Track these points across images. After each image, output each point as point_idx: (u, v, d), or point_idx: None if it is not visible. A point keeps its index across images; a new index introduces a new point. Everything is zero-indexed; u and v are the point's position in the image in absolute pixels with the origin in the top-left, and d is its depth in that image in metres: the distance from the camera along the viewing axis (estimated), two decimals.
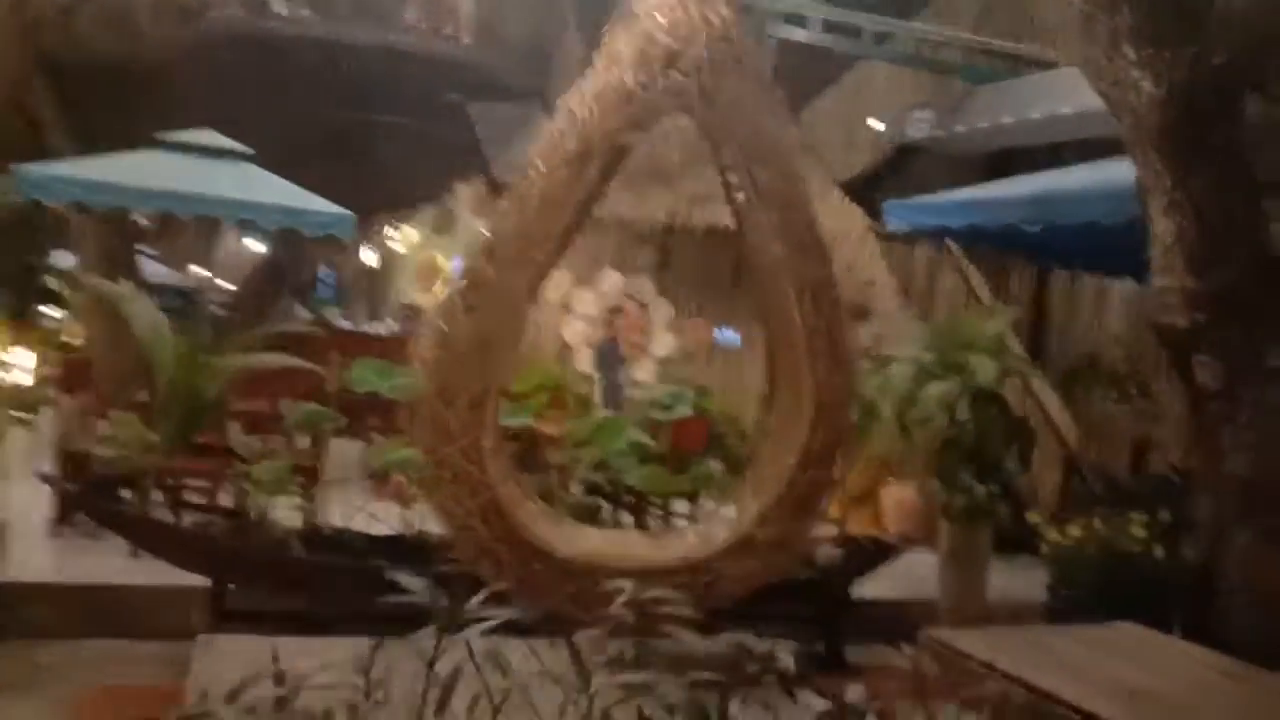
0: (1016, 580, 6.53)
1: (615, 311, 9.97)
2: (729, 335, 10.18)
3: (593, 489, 5.30)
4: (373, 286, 13.74)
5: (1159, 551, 4.20)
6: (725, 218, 10.02)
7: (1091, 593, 4.23)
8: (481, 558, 3.90)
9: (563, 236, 3.91)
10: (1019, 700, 3.06)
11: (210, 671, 2.04)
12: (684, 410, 5.28)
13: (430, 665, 1.27)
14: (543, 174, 3.81)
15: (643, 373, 10.11)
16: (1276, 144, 3.87)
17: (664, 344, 10.28)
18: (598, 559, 3.75)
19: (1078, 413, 6.16)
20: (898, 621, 6.40)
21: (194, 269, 15.34)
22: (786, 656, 1.83)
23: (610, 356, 9.31)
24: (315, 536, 4.53)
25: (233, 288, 13.68)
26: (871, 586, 5.68)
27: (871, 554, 5.57)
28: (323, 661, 1.25)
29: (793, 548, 4.00)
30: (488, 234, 3.95)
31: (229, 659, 2.15)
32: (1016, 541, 7.11)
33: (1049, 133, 8.22)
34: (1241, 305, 3.90)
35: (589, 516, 5.04)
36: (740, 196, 3.99)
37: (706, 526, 4.22)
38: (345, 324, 11.96)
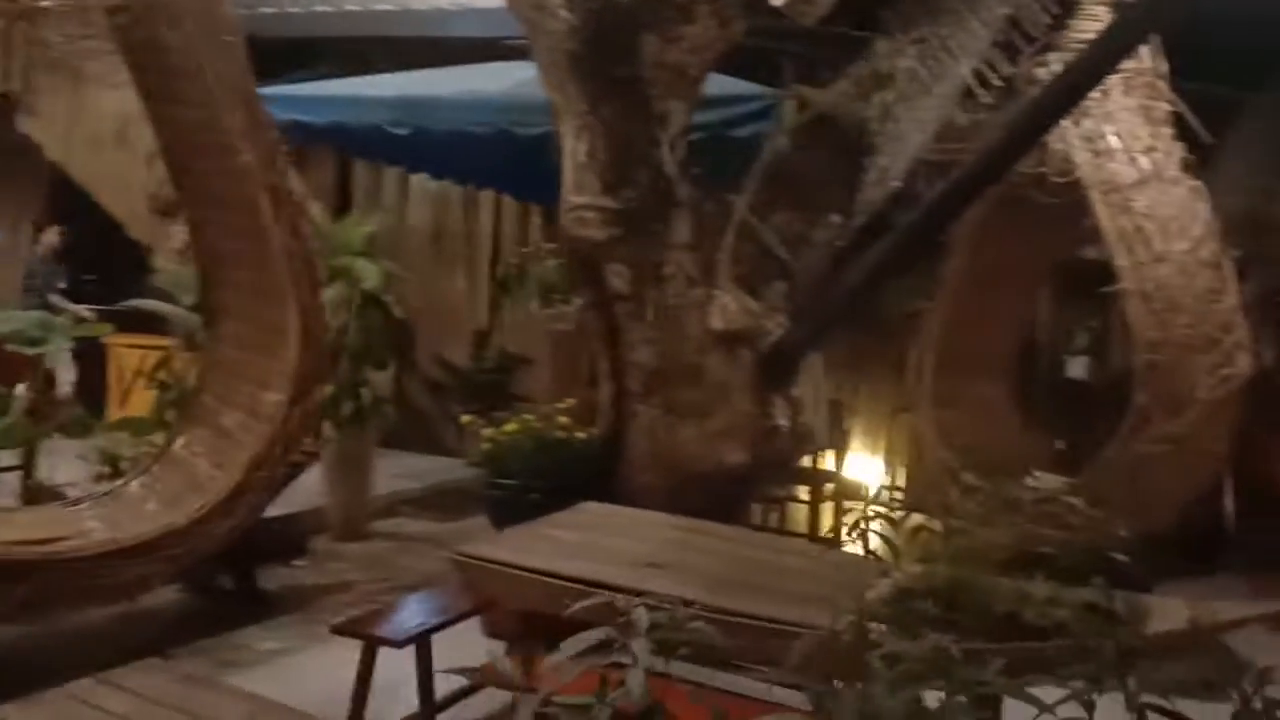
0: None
1: None
2: None
3: None
4: None
5: (580, 434, 4.79)
6: None
7: (528, 480, 4.66)
8: None
9: None
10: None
11: None
12: (62, 343, 4.26)
13: None
14: None
15: None
16: (667, 80, 4.54)
17: None
18: (64, 548, 2.96)
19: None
20: (284, 538, 6.22)
21: None
22: None
23: (48, 274, 7.08)
24: None
25: None
26: None
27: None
28: None
29: (279, 488, 3.65)
30: None
31: None
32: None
33: (362, 27, 8.19)
34: (645, 220, 4.56)
35: None
36: (193, 89, 3.33)
37: (168, 484, 3.58)
38: None
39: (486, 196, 8.81)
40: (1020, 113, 4.18)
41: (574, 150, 4.62)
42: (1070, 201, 5.11)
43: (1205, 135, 4.70)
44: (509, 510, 4.78)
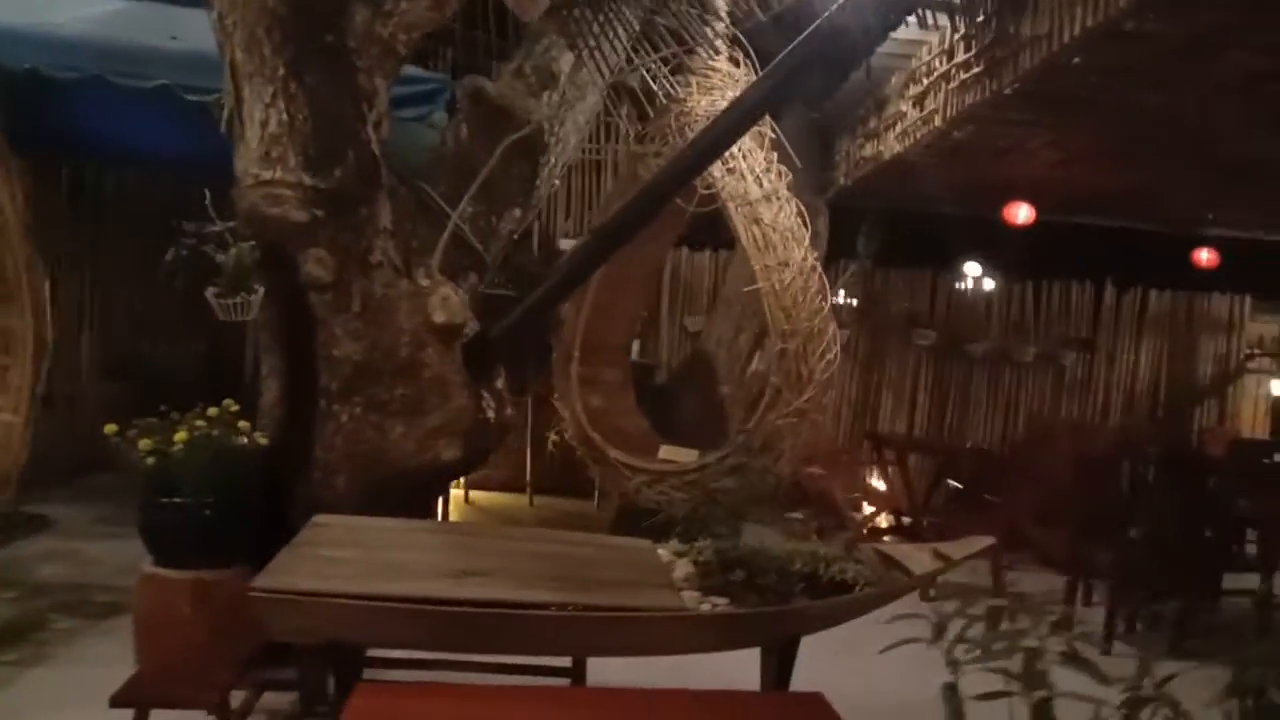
0: None
1: None
2: None
3: None
4: None
5: (264, 441, 4.26)
6: None
7: (201, 497, 4.04)
8: None
9: None
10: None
11: None
12: None
13: None
14: None
15: None
16: (377, 55, 4.23)
17: None
18: None
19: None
20: None
21: None
22: None
23: None
24: None
25: None
26: None
27: None
28: None
29: None
30: None
31: None
32: None
33: None
34: (352, 202, 4.21)
35: None
36: None
37: None
38: None
39: None
40: (695, 144, 4.69)
41: (264, 119, 4.08)
42: (677, 209, 5.83)
43: (796, 160, 5.72)
44: (176, 535, 4.10)
